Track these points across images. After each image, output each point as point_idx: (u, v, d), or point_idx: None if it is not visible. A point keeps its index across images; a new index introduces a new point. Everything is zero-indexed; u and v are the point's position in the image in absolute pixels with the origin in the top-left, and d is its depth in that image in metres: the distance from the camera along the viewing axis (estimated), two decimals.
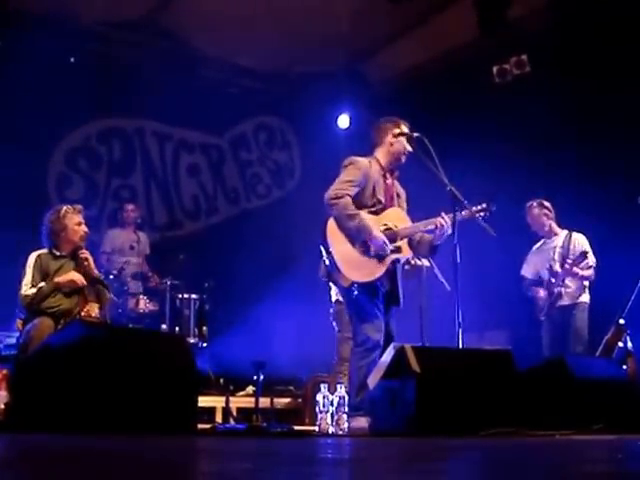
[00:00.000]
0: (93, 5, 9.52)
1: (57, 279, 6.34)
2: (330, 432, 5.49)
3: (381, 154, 6.43)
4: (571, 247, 7.92)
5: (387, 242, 6.08)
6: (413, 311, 7.82)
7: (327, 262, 6.12)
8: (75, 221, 6.57)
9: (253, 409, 7.94)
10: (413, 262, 7.27)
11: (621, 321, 7.25)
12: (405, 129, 6.43)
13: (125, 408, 4.71)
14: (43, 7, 9.45)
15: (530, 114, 9.03)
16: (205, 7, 9.60)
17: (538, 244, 8.24)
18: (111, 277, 8.62)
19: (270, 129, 12.41)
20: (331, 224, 6.13)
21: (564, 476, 2.21)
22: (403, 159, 6.43)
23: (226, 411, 8.23)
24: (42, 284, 6.30)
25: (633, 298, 7.22)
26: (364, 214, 6.14)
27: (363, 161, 6.32)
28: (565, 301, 7.87)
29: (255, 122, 12.27)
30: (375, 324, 6.05)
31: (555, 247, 8.03)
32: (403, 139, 6.38)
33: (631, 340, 7.21)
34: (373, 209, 6.23)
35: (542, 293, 7.96)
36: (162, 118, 11.20)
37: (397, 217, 6.32)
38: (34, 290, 6.27)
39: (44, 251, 6.57)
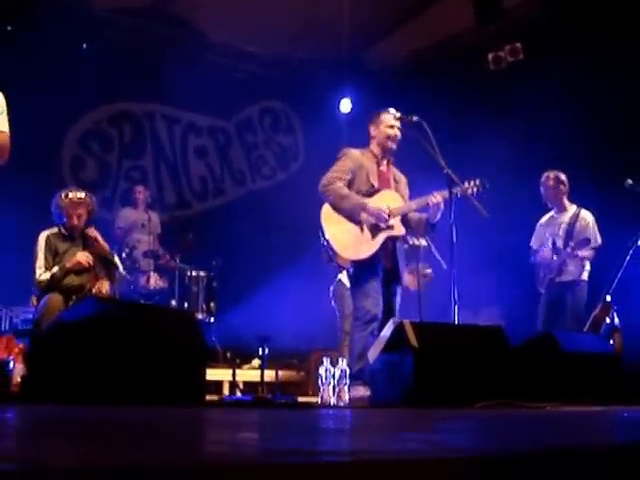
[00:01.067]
0: None
1: (67, 265, 6.39)
2: (332, 403, 5.53)
3: (373, 145, 6.61)
4: (577, 225, 7.84)
5: (383, 210, 6.18)
6: (411, 288, 7.87)
7: (325, 245, 6.26)
8: (66, 212, 6.58)
9: (258, 382, 7.99)
10: (411, 242, 7.31)
11: (608, 298, 7.26)
12: (391, 115, 6.54)
13: (136, 380, 4.74)
14: None
15: (526, 99, 9.05)
16: None
17: (546, 217, 8.16)
18: (123, 255, 8.66)
19: (275, 113, 12.42)
20: (325, 210, 6.30)
21: (554, 444, 2.25)
22: (392, 145, 6.54)
23: (233, 383, 8.28)
24: (55, 269, 6.35)
25: (619, 275, 7.23)
26: (357, 195, 6.27)
27: (355, 152, 6.52)
28: (566, 278, 7.83)
29: (260, 106, 12.27)
30: (373, 298, 6.20)
31: (561, 223, 7.96)
32: (386, 127, 6.50)
33: (617, 316, 7.22)
34: (367, 193, 6.34)
35: (547, 253, 7.88)
36: (171, 102, 11.21)
37: (390, 198, 6.41)
38: (47, 276, 6.32)
39: (53, 230, 6.60)
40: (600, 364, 6.02)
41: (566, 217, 7.98)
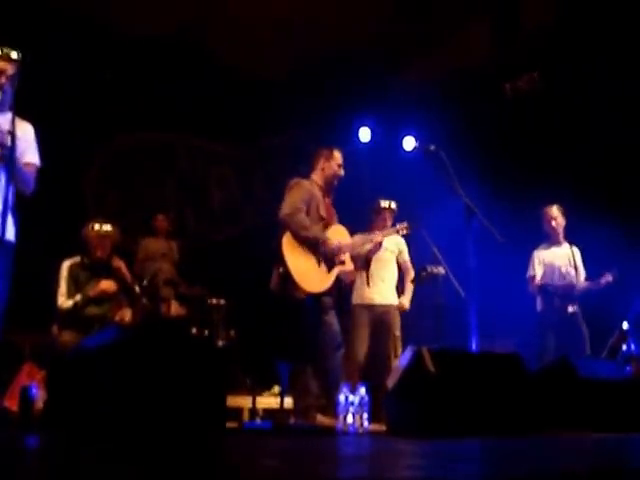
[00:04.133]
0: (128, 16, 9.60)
1: (90, 292, 6.46)
2: (350, 431, 5.54)
3: (317, 177, 6.80)
4: (577, 260, 8.00)
5: (340, 247, 6.30)
6: (429, 315, 7.88)
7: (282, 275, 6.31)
8: (92, 244, 6.67)
9: (278, 408, 7.99)
10: (429, 270, 7.34)
11: (624, 325, 7.28)
12: (341, 154, 6.83)
13: (157, 407, 4.77)
14: (76, 15, 9.50)
15: (544, 127, 9.09)
16: (230, 19, 9.72)
17: (545, 248, 8.21)
18: (144, 283, 8.70)
19: (295, 141, 12.47)
20: (286, 240, 6.35)
21: (570, 470, 2.27)
22: (336, 182, 6.77)
23: (253, 410, 8.29)
24: (78, 297, 6.42)
25: (636, 303, 7.26)
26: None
27: (306, 182, 6.67)
28: (575, 308, 7.87)
29: (281, 134, 12.33)
30: (334, 326, 6.45)
31: (567, 255, 8.03)
32: (336, 165, 6.75)
33: (634, 343, 7.23)
34: (318, 226, 6.47)
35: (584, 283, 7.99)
36: (192, 131, 11.30)
37: (340, 233, 6.69)
38: (70, 304, 6.40)
39: (76, 260, 6.68)
40: (618, 390, 6.00)
41: (567, 250, 8.09)
